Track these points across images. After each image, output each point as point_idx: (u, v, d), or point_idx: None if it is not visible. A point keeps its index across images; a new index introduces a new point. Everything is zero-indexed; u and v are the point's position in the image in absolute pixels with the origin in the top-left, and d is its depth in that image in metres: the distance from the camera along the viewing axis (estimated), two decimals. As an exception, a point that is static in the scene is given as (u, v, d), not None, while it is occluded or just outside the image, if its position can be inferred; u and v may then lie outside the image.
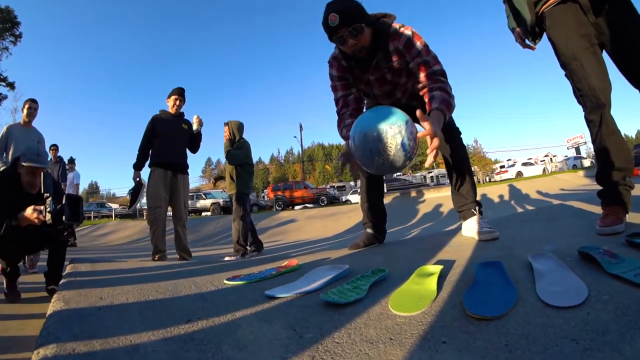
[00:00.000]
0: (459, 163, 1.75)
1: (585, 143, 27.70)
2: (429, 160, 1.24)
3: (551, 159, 28.14)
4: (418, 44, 1.53)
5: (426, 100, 1.47)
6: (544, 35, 1.58)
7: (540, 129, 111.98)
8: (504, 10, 1.80)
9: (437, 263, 1.23)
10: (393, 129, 1.21)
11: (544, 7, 1.49)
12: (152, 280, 1.41)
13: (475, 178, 1.90)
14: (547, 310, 0.75)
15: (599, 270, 0.89)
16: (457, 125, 1.77)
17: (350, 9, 1.44)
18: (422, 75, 1.53)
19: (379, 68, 1.61)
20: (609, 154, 1.37)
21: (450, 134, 1.66)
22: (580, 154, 27.95)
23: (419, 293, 0.94)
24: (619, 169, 1.37)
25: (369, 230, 2.00)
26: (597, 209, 1.86)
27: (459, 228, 1.89)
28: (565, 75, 1.46)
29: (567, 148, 31.50)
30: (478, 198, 1.81)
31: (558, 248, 1.17)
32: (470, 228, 1.71)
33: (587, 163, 22.88)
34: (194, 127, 3.46)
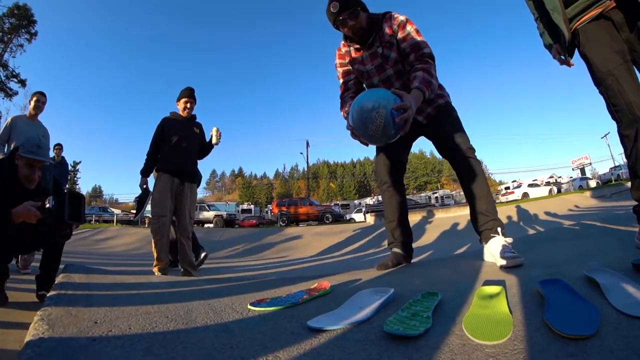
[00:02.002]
0: (475, 180, 1.71)
1: (590, 164, 27.38)
2: (405, 129, 1.40)
3: (556, 180, 27.70)
4: (409, 27, 1.69)
5: (410, 78, 1.62)
6: (575, 52, 1.59)
7: (544, 150, 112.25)
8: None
9: (484, 284, 1.12)
10: (382, 102, 1.36)
11: (577, 23, 1.50)
12: (158, 301, 1.17)
13: None
14: (633, 321, 0.72)
15: None
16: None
17: None
18: (412, 55, 1.66)
19: (372, 45, 1.76)
20: None
21: (464, 151, 1.71)
22: (585, 175, 27.42)
23: (494, 318, 0.83)
24: None
25: (397, 250, 1.93)
26: (622, 227, 1.90)
27: (475, 248, 1.73)
28: (600, 91, 1.46)
29: (572, 169, 31.20)
30: None
31: (606, 263, 1.13)
32: (492, 252, 1.59)
33: (593, 184, 22.29)
34: (213, 140, 3.27)
